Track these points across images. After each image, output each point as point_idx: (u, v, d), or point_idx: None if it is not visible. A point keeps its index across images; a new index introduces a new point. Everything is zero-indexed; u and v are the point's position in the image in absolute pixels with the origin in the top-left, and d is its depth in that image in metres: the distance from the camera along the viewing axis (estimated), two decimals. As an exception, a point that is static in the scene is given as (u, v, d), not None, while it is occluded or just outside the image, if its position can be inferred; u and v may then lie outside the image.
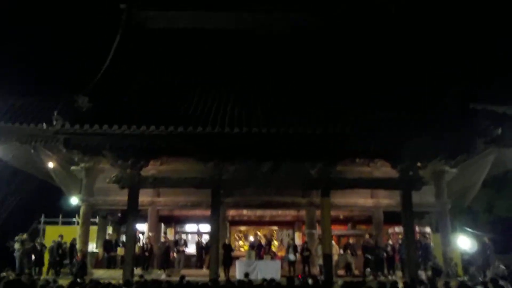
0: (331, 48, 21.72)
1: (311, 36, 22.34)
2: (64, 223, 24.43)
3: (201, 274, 17.82)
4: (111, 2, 24.13)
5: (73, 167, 20.81)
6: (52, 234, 21.45)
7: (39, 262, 19.43)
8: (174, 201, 20.88)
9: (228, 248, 19.69)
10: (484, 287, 12.40)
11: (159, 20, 22.96)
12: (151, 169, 18.69)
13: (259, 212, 24.58)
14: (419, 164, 17.16)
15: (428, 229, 22.84)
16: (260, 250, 20.57)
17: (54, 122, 14.89)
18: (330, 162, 16.82)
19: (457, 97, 15.66)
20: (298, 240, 23.13)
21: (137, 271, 17.73)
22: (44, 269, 19.52)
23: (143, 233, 22.54)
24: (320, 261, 18.16)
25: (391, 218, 20.95)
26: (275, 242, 24.32)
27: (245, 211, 24.38)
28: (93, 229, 21.61)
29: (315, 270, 19.37)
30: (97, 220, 22.62)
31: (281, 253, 22.38)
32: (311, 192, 20.13)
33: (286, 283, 12.98)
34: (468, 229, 23.57)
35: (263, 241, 21.79)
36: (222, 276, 17.40)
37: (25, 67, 30.15)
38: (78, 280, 14.19)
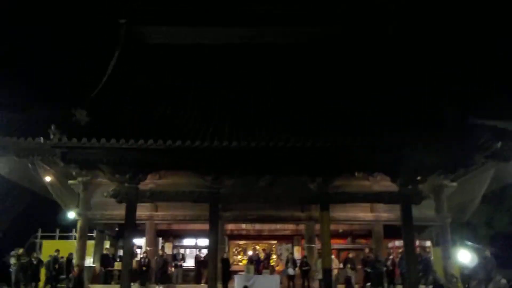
0: (332, 52, 21.82)
1: (309, 44, 22.39)
2: (61, 238, 24.33)
3: (199, 289, 17.69)
4: (110, 17, 24.13)
5: (70, 181, 20.69)
6: (49, 249, 21.33)
7: (36, 277, 19.24)
8: (172, 215, 20.74)
9: (227, 263, 19.54)
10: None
11: (158, 35, 22.96)
12: (149, 183, 18.58)
13: (257, 226, 24.48)
14: (418, 178, 17.06)
15: (428, 243, 22.71)
16: (259, 265, 20.44)
17: (52, 136, 14.77)
18: (329, 176, 16.74)
19: (456, 111, 15.61)
20: (297, 254, 22.98)
21: (135, 286, 17.58)
22: (41, 284, 19.35)
23: (140, 247, 22.37)
24: (320, 276, 18.00)
25: (391, 232, 20.85)
26: (274, 256, 24.18)
27: (243, 225, 24.29)
28: (90, 243, 21.48)
29: (315, 285, 19.26)
30: (94, 234, 22.50)
31: (279, 268, 22.24)
32: (310, 206, 20.02)
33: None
34: (469, 243, 23.42)
35: (262, 256, 21.64)
36: (220, 291, 17.28)
37: (22, 80, 30.12)
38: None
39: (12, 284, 18.39)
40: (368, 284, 19.24)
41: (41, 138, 15.86)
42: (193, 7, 24.81)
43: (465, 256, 21.06)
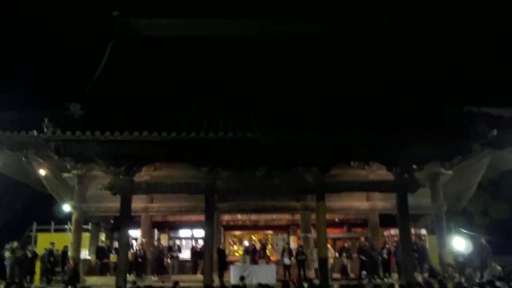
0: (331, 51, 21.72)
1: (307, 40, 22.28)
2: (56, 231, 24.21)
3: (195, 280, 17.69)
4: (105, 10, 23.91)
5: (65, 174, 20.56)
6: (44, 242, 21.26)
7: (31, 270, 19.18)
8: (167, 207, 20.69)
9: (223, 253, 19.54)
10: (480, 288, 12.32)
11: (152, 28, 22.80)
12: (144, 175, 18.48)
13: (253, 217, 24.49)
14: (414, 166, 17.07)
15: (424, 231, 22.77)
16: (254, 255, 20.47)
17: (45, 129, 14.66)
18: (324, 166, 16.70)
19: (453, 99, 15.60)
20: (293, 244, 23.01)
21: (130, 277, 17.55)
22: (36, 277, 19.29)
23: (136, 239, 22.34)
24: (316, 265, 18.07)
25: (386, 220, 20.92)
26: (270, 246, 24.22)
27: (239, 216, 24.30)
28: (86, 236, 21.45)
29: (311, 274, 19.31)
30: (89, 227, 22.42)
31: (274, 258, 22.30)
32: (305, 196, 20.02)
33: (282, 287, 12.85)
34: (464, 231, 23.54)
35: (257, 246, 21.65)
36: (216, 282, 17.27)
37: (16, 76, 30.00)
38: (70, 287, 14.03)
39: (7, 277, 18.28)
40: (364, 272, 19.28)
41: (35, 131, 15.72)
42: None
43: (460, 244, 21.18)
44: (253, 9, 23.73)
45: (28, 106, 18.61)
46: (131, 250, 19.74)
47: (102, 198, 18.98)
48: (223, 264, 19.28)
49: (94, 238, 22.34)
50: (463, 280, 17.00)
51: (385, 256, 19.56)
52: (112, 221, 23.28)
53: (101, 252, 20.79)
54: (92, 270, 20.75)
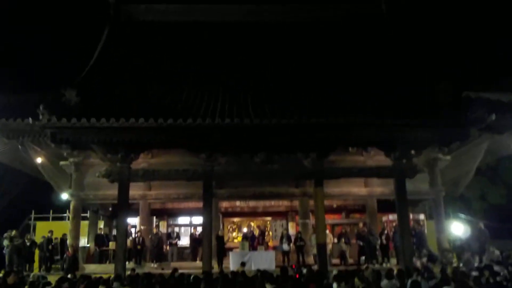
0: (330, 38, 21.72)
1: (306, 26, 22.19)
2: (54, 219, 24.25)
3: (195, 267, 17.68)
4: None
5: (62, 162, 20.45)
6: (42, 230, 21.28)
7: (29, 258, 19.19)
8: (165, 194, 20.61)
9: (221, 240, 19.56)
10: (479, 272, 12.31)
11: (149, 13, 22.71)
12: (141, 162, 18.42)
13: (252, 203, 24.50)
14: (412, 152, 17.02)
15: (422, 217, 22.80)
16: (253, 241, 20.51)
17: (41, 117, 14.52)
18: (323, 152, 16.62)
19: (450, 84, 15.48)
20: (291, 230, 23.05)
21: (129, 265, 17.58)
22: (35, 265, 19.30)
23: (135, 226, 22.35)
24: (314, 251, 18.05)
25: (385, 206, 20.95)
26: (270, 233, 24.27)
27: (238, 203, 24.31)
28: (84, 224, 21.40)
29: (310, 260, 19.34)
30: (88, 214, 22.41)
31: (272, 244, 22.35)
32: (304, 182, 20.00)
33: (280, 273, 12.84)
34: (462, 216, 23.58)
35: (256, 232, 21.69)
36: (215, 268, 17.29)
37: (11, 63, 29.84)
38: (69, 275, 14.01)
39: (5, 265, 18.29)
40: (363, 258, 19.34)
41: (30, 119, 15.60)
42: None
43: (458, 229, 21.21)
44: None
45: (24, 92, 18.51)
46: (130, 238, 19.73)
47: (100, 185, 18.91)
48: (222, 250, 19.32)
49: (93, 225, 22.33)
50: (461, 264, 17.02)
51: (384, 241, 19.61)
52: (110, 209, 23.23)
53: (100, 240, 20.81)
54: (91, 257, 20.80)
